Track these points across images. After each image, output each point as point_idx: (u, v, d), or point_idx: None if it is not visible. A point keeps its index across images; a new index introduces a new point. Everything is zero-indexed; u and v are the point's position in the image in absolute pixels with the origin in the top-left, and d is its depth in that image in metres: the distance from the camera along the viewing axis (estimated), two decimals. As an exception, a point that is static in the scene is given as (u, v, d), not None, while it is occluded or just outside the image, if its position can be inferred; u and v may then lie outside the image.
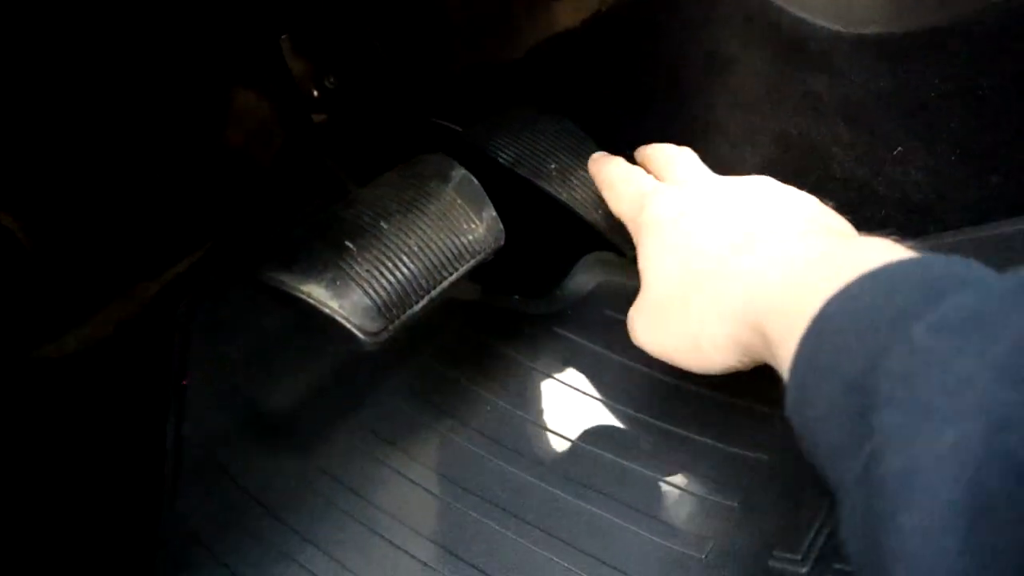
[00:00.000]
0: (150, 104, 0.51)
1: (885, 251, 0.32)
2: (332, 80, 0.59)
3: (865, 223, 0.51)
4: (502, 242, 0.50)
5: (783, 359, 0.33)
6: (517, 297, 0.62)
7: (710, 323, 0.41)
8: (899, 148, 0.49)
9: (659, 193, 0.47)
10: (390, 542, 0.48)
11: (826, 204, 0.45)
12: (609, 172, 0.53)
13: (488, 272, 0.53)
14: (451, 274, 0.46)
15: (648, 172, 0.52)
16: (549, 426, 0.53)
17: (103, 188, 0.50)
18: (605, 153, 0.55)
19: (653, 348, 0.46)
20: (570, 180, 0.57)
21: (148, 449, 0.52)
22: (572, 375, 0.56)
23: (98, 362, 0.53)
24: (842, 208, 0.52)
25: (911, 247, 0.33)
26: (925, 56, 0.47)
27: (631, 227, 0.49)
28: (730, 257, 0.41)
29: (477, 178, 0.52)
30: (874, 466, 0.24)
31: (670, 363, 0.45)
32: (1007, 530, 0.20)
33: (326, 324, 0.43)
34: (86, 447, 0.51)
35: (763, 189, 0.45)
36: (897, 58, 0.48)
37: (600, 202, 0.57)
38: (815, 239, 0.39)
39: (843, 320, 0.29)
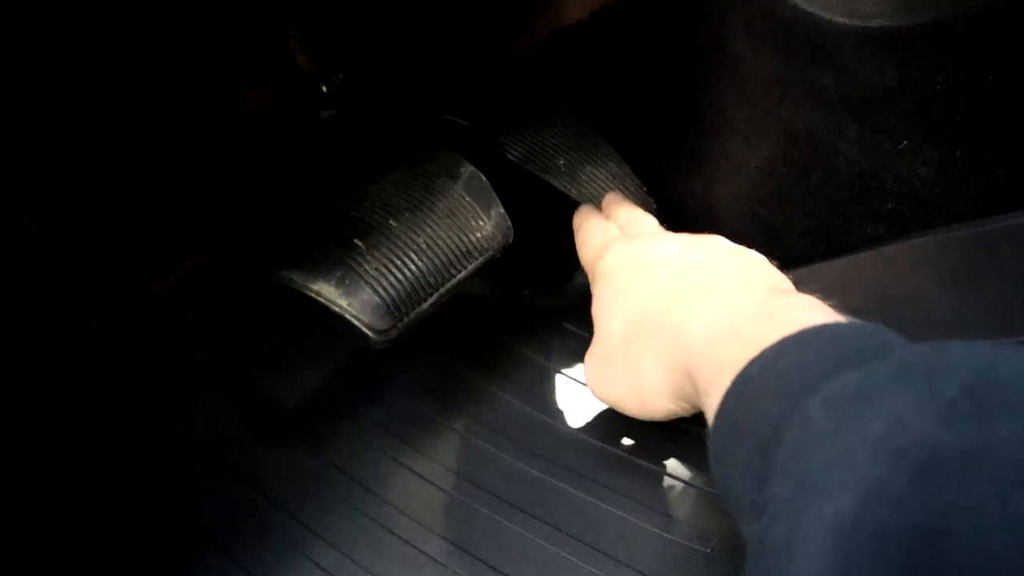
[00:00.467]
0: (159, 101, 0.51)
1: (810, 313, 0.35)
2: (341, 76, 0.59)
3: (871, 217, 0.52)
4: (511, 239, 0.50)
5: (708, 409, 0.36)
6: (527, 292, 0.62)
7: (649, 371, 0.43)
8: (905, 142, 0.49)
9: (615, 244, 0.50)
10: (402, 538, 0.48)
11: (772, 263, 0.47)
12: (581, 223, 0.55)
13: (498, 268, 0.53)
14: (460, 272, 0.46)
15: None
16: (558, 421, 0.54)
17: (113, 186, 0.51)
18: (589, 205, 0.57)
19: (601, 394, 0.49)
20: (579, 176, 0.57)
21: (159, 447, 0.53)
22: (580, 370, 0.56)
23: (107, 359, 0.53)
24: (848, 201, 0.52)
25: (832, 306, 0.36)
26: (931, 49, 0.47)
27: (590, 276, 0.51)
28: (668, 308, 0.43)
29: (486, 174, 0.52)
30: (767, 532, 0.27)
31: (618, 410, 0.48)
32: None
33: (336, 322, 0.43)
34: (96, 445, 0.51)
35: (712, 246, 0.47)
36: (903, 52, 0.48)
37: (608, 198, 0.57)
38: (749, 295, 0.41)
39: (759, 385, 0.32)
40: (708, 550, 0.45)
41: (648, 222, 0.54)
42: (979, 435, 0.23)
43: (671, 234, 0.50)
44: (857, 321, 0.34)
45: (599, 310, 0.48)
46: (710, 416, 0.36)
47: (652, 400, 0.44)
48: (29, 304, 0.49)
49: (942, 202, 0.49)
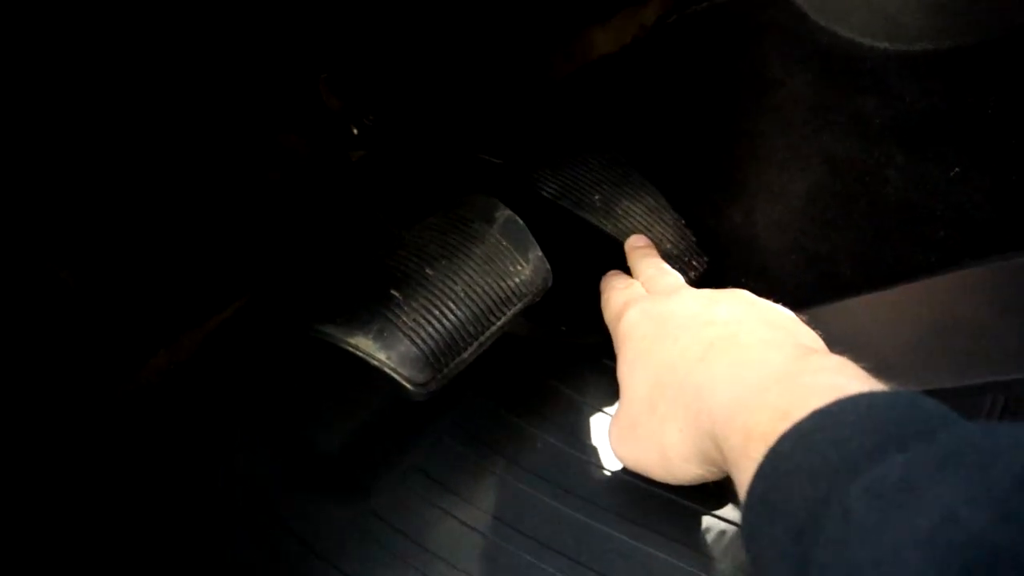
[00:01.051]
0: (192, 150, 0.51)
1: (842, 378, 0.33)
2: (371, 118, 0.59)
3: (922, 245, 0.50)
4: (550, 283, 0.49)
5: (738, 480, 0.35)
6: (564, 329, 0.61)
7: (674, 435, 0.42)
8: (956, 169, 0.47)
9: (637, 303, 0.49)
10: (445, 587, 0.47)
11: (801, 317, 0.45)
12: (606, 282, 0.54)
13: (535, 305, 0.52)
14: (499, 319, 0.46)
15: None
16: (600, 462, 0.52)
17: (151, 235, 0.51)
18: (616, 271, 0.56)
19: (627, 460, 0.48)
20: (615, 210, 0.56)
21: (199, 495, 0.52)
22: (622, 409, 0.55)
23: (147, 409, 0.53)
24: (896, 229, 0.51)
25: (865, 368, 0.35)
26: (979, 72, 0.46)
27: (613, 336, 0.50)
28: (691, 368, 0.41)
29: (520, 212, 0.51)
30: None
31: (644, 475, 0.47)
32: None
33: (375, 373, 0.42)
34: (137, 494, 0.51)
35: (736, 300, 0.46)
36: (949, 75, 0.46)
37: (646, 231, 0.56)
38: (775, 354, 0.39)
39: (792, 462, 0.30)
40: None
41: (673, 276, 0.52)
42: None
43: (694, 290, 0.49)
44: (893, 389, 0.32)
45: (623, 372, 0.47)
46: (740, 488, 0.34)
47: (678, 466, 0.43)
48: (69, 353, 0.49)
49: (996, 229, 0.47)
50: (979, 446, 0.25)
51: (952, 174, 0.47)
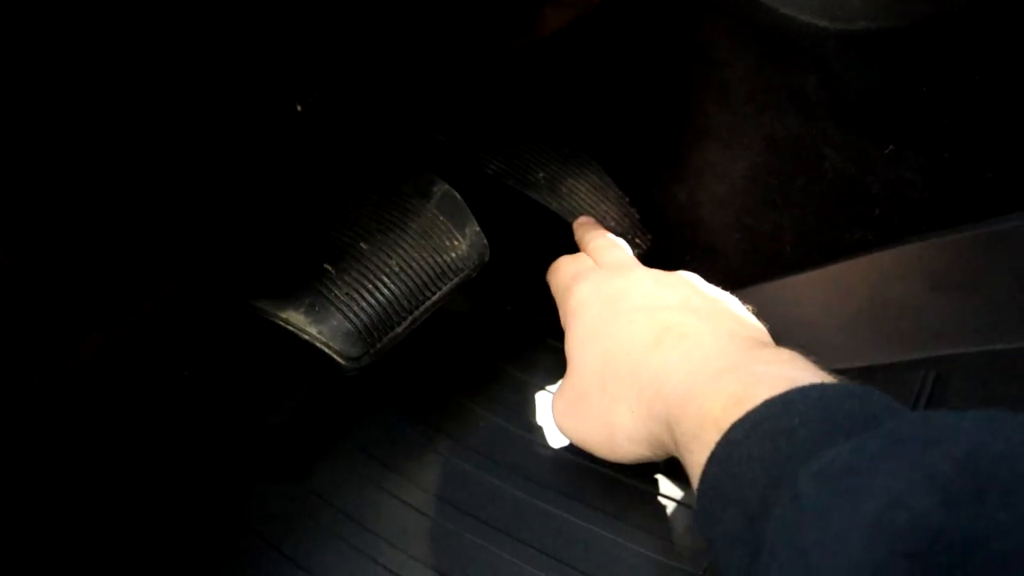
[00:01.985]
0: (127, 125, 0.50)
1: (793, 370, 0.34)
2: (314, 96, 0.57)
3: (860, 223, 0.51)
4: (487, 258, 0.49)
5: (689, 464, 0.35)
6: (509, 308, 0.61)
7: (624, 416, 0.42)
8: (891, 147, 0.47)
9: (587, 277, 0.48)
10: (388, 568, 0.47)
11: (747, 306, 0.46)
12: (557, 260, 0.54)
13: (478, 284, 0.52)
14: (434, 294, 0.45)
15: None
16: (544, 441, 0.52)
17: (86, 213, 0.49)
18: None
19: (571, 434, 0.47)
20: (559, 188, 0.56)
21: (134, 476, 0.51)
22: (566, 387, 0.55)
23: (81, 389, 0.52)
24: (835, 208, 0.51)
25: (817, 362, 0.36)
26: (915, 51, 0.46)
27: (561, 308, 0.50)
28: (645, 352, 0.42)
29: (463, 190, 0.51)
30: None
31: (586, 450, 0.46)
32: None
33: (309, 351, 0.42)
34: (76, 474, 0.50)
35: (687, 287, 0.46)
36: (886, 54, 0.47)
37: (591, 209, 0.56)
38: (727, 345, 0.40)
39: (744, 449, 0.31)
40: (700, 572, 0.44)
41: (621, 250, 0.52)
42: (979, 520, 0.22)
43: (645, 269, 0.49)
44: (843, 382, 0.33)
45: (571, 347, 0.47)
46: (691, 472, 0.35)
47: (624, 446, 0.43)
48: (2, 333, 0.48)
49: (931, 207, 0.48)
50: (922, 432, 0.26)
51: (887, 151, 0.47)
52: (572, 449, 0.51)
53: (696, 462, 0.34)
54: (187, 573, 0.48)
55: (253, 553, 0.48)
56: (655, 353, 0.41)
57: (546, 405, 0.54)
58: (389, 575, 0.46)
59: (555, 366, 0.56)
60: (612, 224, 0.56)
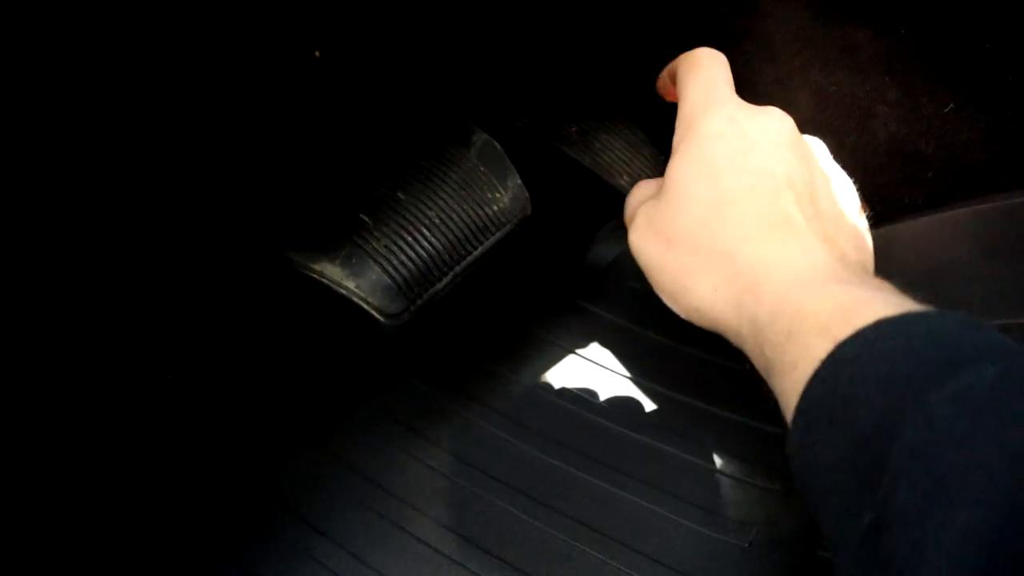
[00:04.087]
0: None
1: (900, 297, 0.32)
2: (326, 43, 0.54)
3: (910, 185, 0.49)
4: (528, 212, 0.46)
5: (776, 373, 0.33)
6: (537, 268, 0.58)
7: (705, 287, 0.39)
8: (951, 105, 0.45)
9: (725, 105, 0.42)
10: (411, 534, 0.45)
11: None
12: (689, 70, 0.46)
13: (506, 242, 0.49)
14: (476, 248, 0.42)
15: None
16: (574, 406, 0.50)
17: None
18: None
19: (641, 258, 0.42)
20: (592, 144, 0.53)
21: (155, 440, 0.49)
22: (596, 351, 0.53)
23: (108, 356, 0.49)
24: (884, 168, 0.49)
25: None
26: (977, 2, 0.44)
27: (682, 123, 0.43)
28: (754, 236, 0.38)
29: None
30: (881, 538, 0.25)
31: (647, 277, 0.42)
32: None
33: (342, 305, 0.39)
34: (84, 463, 0.48)
35: (822, 166, 0.42)
36: (945, 6, 0.44)
37: (625, 166, 0.53)
38: (838, 263, 0.37)
39: (856, 368, 0.29)
40: (745, 544, 0.42)
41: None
42: None
43: (784, 118, 0.43)
44: (957, 312, 0.30)
45: (682, 171, 0.41)
46: (776, 376, 0.33)
47: (688, 306, 0.39)
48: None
49: (988, 170, 0.46)
50: None
51: (946, 110, 0.45)
52: (606, 415, 0.50)
53: (788, 362, 0.32)
54: (210, 539, 0.46)
55: (276, 518, 0.46)
56: (764, 243, 0.38)
57: (577, 369, 0.52)
58: (414, 540, 0.45)
59: (586, 328, 0.54)
60: (647, 183, 0.54)
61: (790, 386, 0.31)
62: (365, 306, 0.39)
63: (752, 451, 0.46)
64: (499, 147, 0.46)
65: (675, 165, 0.41)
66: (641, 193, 0.45)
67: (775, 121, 0.42)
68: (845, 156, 0.50)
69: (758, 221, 0.38)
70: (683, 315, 0.41)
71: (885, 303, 0.30)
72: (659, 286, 0.41)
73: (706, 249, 0.39)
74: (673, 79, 0.47)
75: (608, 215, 0.58)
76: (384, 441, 0.49)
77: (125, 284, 0.44)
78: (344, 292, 0.39)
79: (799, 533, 0.42)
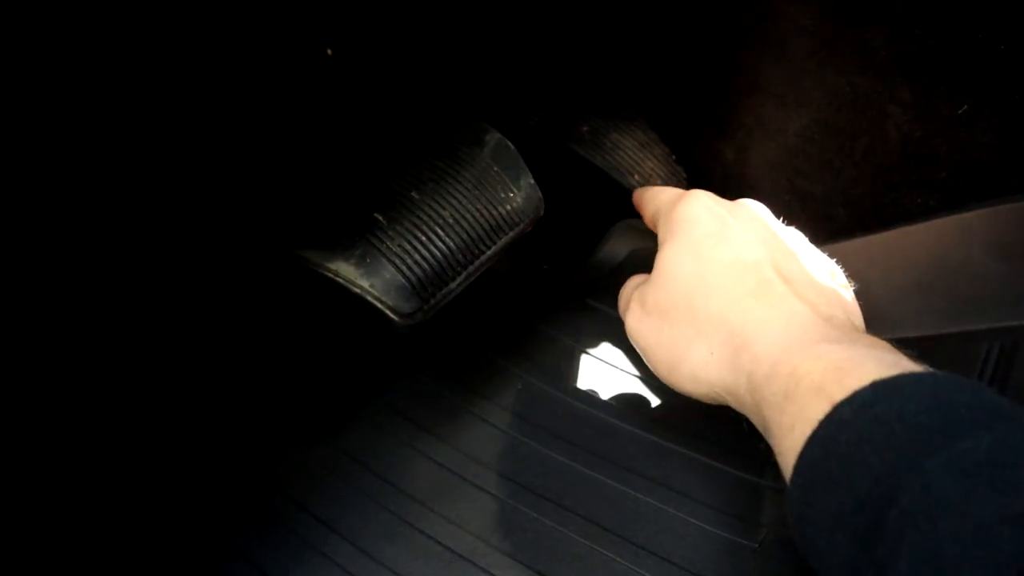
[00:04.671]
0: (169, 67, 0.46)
1: (895, 355, 0.33)
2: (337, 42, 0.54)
3: (922, 187, 0.48)
4: (542, 212, 0.46)
5: (775, 433, 0.34)
6: (547, 267, 0.58)
7: (700, 353, 0.40)
8: (965, 106, 0.45)
9: (698, 195, 0.45)
10: (421, 531, 0.45)
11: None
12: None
13: (516, 241, 0.49)
14: (489, 248, 0.42)
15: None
16: (584, 404, 0.50)
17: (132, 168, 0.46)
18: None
19: (637, 339, 0.45)
20: (603, 143, 0.53)
21: (166, 434, 0.49)
22: (607, 349, 0.53)
23: (117, 350, 0.49)
24: (897, 170, 0.49)
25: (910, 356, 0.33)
26: (991, 3, 0.43)
27: (664, 221, 0.46)
28: (744, 299, 0.40)
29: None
30: None
31: (644, 358, 0.45)
32: None
33: (355, 304, 0.39)
34: (93, 457, 0.48)
35: (797, 241, 0.45)
36: (960, 7, 0.44)
37: (636, 165, 0.53)
38: (826, 324, 0.38)
39: (853, 432, 0.29)
40: (755, 544, 0.42)
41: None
42: None
43: (758, 207, 0.46)
44: (951, 374, 0.31)
45: (668, 257, 0.44)
46: (775, 435, 0.34)
47: (685, 378, 0.41)
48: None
49: (1003, 172, 0.46)
50: None
51: (961, 112, 0.45)
52: (616, 414, 0.50)
53: (786, 424, 0.32)
54: (219, 534, 0.46)
55: (286, 514, 0.46)
56: (755, 304, 0.39)
57: (587, 368, 0.52)
58: (423, 537, 0.45)
59: (596, 327, 0.54)
60: (658, 183, 0.54)
61: (788, 446, 0.32)
62: (379, 305, 0.39)
63: (763, 452, 0.46)
64: (512, 147, 0.46)
65: (661, 254, 0.44)
66: (632, 283, 0.48)
67: (748, 207, 0.45)
68: (856, 159, 0.50)
69: (744, 288, 0.40)
70: (681, 388, 0.42)
71: (879, 362, 0.31)
72: (655, 361, 0.43)
73: (699, 317, 0.41)
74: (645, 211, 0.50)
75: (618, 214, 0.58)
76: (394, 437, 0.49)
77: (142, 281, 0.44)
78: (358, 291, 0.39)
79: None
